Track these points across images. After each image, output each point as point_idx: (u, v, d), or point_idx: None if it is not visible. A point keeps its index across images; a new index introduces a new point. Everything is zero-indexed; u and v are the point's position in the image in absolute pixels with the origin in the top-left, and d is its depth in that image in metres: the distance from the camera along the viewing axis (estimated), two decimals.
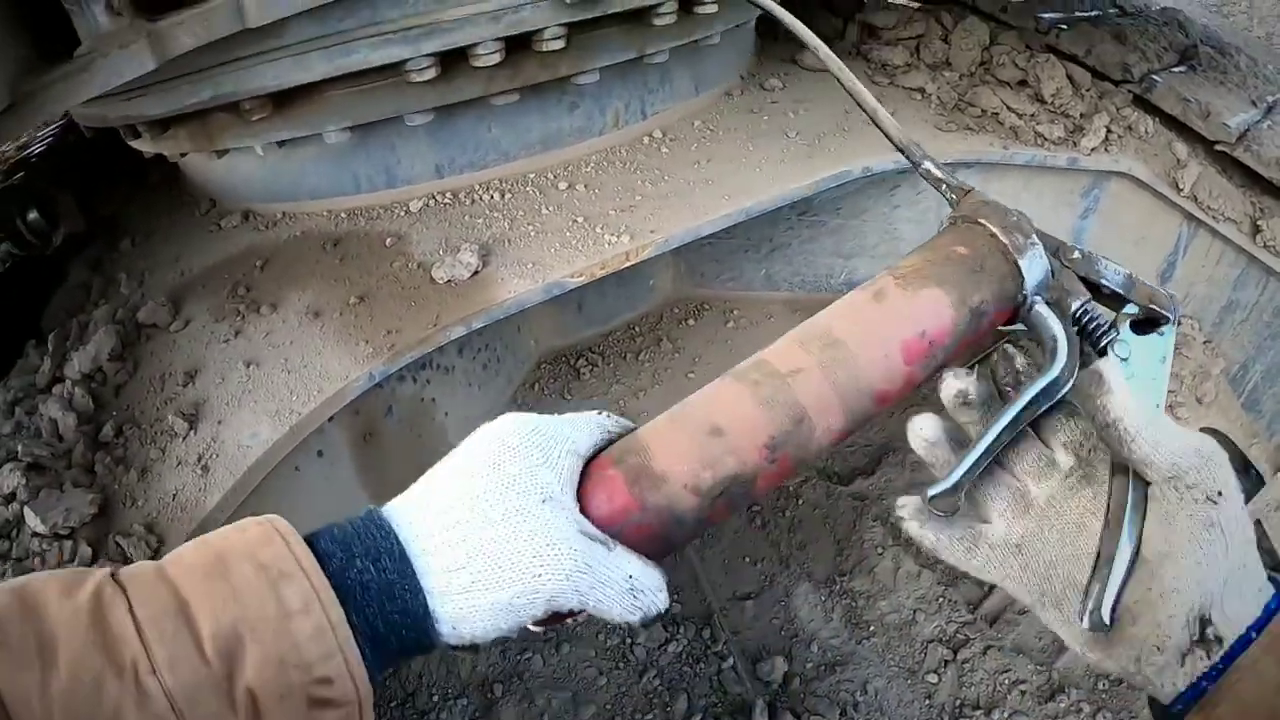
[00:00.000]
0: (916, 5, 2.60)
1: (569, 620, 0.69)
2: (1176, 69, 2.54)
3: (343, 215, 1.82)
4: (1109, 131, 2.27)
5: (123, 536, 1.36)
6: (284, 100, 1.55)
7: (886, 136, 1.05)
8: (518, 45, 1.65)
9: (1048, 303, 0.83)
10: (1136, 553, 0.75)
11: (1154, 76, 2.45)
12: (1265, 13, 7.12)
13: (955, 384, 0.84)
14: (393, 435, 1.99)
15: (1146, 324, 0.86)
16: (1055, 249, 0.86)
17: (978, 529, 0.82)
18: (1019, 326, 0.86)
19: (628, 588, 0.67)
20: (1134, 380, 0.79)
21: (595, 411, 0.80)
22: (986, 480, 0.81)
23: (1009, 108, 2.30)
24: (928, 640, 3.04)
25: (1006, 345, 0.85)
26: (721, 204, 1.81)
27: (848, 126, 2.12)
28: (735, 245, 2.39)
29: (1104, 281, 0.86)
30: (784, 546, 3.25)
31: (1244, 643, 0.75)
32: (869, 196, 2.27)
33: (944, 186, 0.96)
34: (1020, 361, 0.83)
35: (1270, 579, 0.78)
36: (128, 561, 1.34)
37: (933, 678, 2.97)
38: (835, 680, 2.96)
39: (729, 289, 2.48)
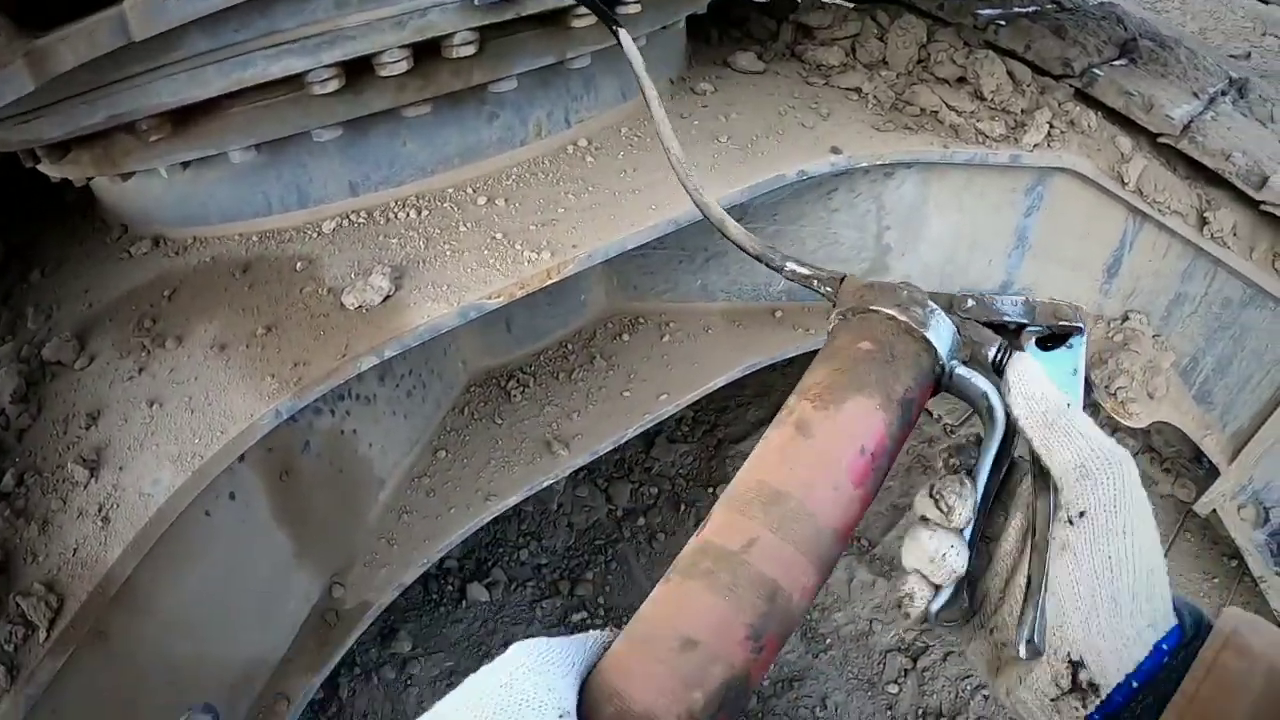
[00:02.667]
0: (851, 5, 2.52)
1: None
2: (1117, 62, 2.49)
3: (254, 238, 1.73)
4: (1051, 127, 2.20)
5: (22, 597, 1.25)
6: (184, 119, 1.47)
7: (735, 243, 1.01)
8: (428, 52, 1.55)
9: (964, 363, 0.78)
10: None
11: (1094, 70, 2.39)
12: (1197, 8, 7.21)
13: (930, 543, 0.76)
14: (312, 471, 1.86)
15: (1057, 339, 0.83)
16: (949, 305, 0.82)
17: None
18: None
19: None
20: None
21: (599, 631, 0.71)
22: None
23: (949, 105, 2.23)
24: (886, 650, 2.96)
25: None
26: (648, 214, 1.71)
27: (781, 129, 2.03)
28: (669, 256, 2.28)
29: (1006, 318, 0.82)
30: None
31: (1125, 693, 0.66)
32: (806, 201, 2.18)
33: (815, 282, 0.90)
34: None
35: (1178, 611, 0.69)
36: (29, 626, 1.24)
37: (893, 688, 2.89)
38: (794, 696, 2.87)
39: (664, 301, 2.37)
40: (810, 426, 0.74)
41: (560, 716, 0.58)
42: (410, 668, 2.95)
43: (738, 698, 0.65)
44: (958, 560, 0.73)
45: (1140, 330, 2.52)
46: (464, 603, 3.14)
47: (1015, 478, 0.80)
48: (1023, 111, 2.23)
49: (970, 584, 0.79)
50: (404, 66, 1.49)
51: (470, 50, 1.53)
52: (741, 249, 0.96)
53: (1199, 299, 2.45)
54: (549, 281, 1.60)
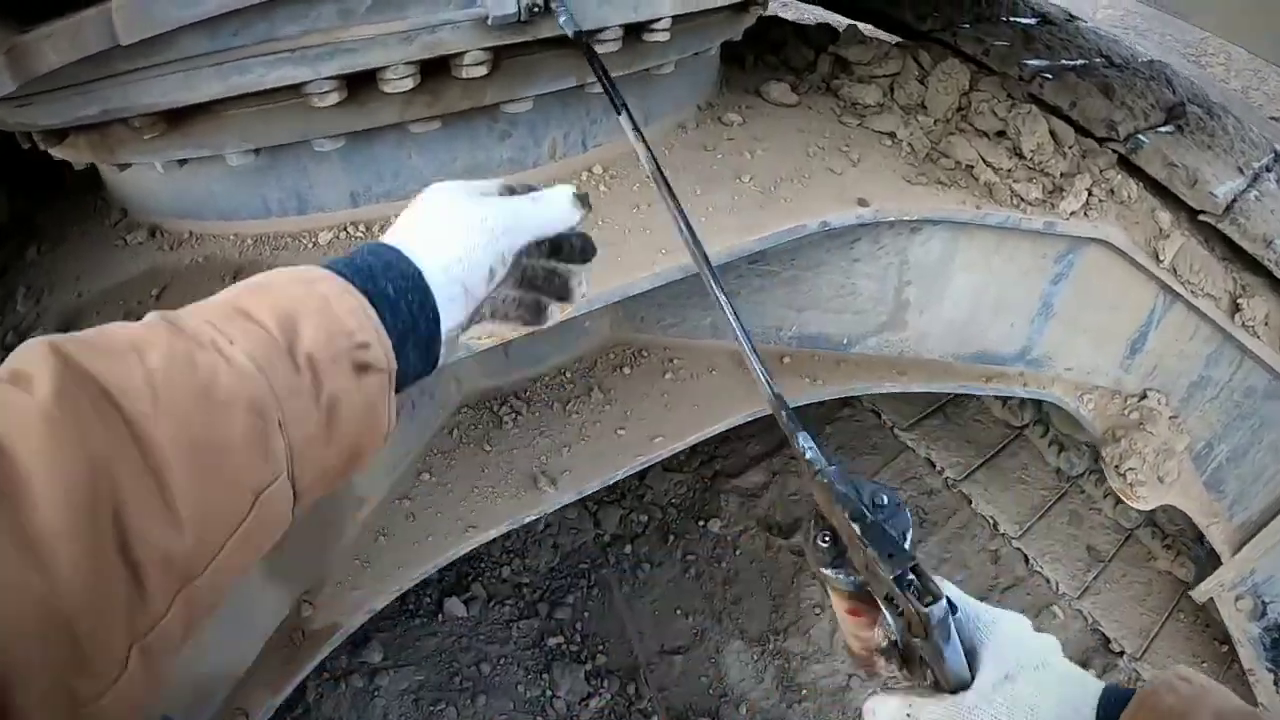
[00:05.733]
0: (894, 41, 2.41)
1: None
2: (1163, 129, 2.38)
3: (249, 241, 1.66)
4: (1090, 194, 2.10)
5: None
6: (180, 118, 1.40)
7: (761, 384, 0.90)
8: (437, 69, 1.45)
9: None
10: None
11: (1140, 136, 2.29)
12: (1241, 65, 7.07)
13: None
14: None
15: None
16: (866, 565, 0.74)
17: None
18: None
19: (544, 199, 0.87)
20: None
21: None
22: None
23: (985, 161, 2.12)
24: (860, 709, 2.87)
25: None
26: (655, 259, 1.61)
27: (808, 173, 1.93)
28: (679, 290, 2.17)
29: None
30: (718, 600, 3.06)
31: None
32: (826, 249, 2.08)
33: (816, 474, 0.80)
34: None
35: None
36: None
37: None
38: None
39: (671, 335, 2.27)
40: None
41: (481, 194, 0.85)
42: (379, 679, 2.86)
43: None
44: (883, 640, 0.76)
45: (1158, 410, 2.42)
46: (440, 616, 3.04)
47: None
48: (1062, 175, 2.13)
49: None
50: (410, 84, 1.39)
51: (482, 71, 1.42)
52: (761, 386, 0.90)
53: (1222, 385, 2.35)
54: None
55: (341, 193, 1.65)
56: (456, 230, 0.79)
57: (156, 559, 0.54)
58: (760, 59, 2.48)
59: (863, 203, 1.87)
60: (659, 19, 1.52)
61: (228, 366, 0.61)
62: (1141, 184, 2.19)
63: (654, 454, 2.09)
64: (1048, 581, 3.10)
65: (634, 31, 1.55)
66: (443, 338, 0.77)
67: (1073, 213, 2.05)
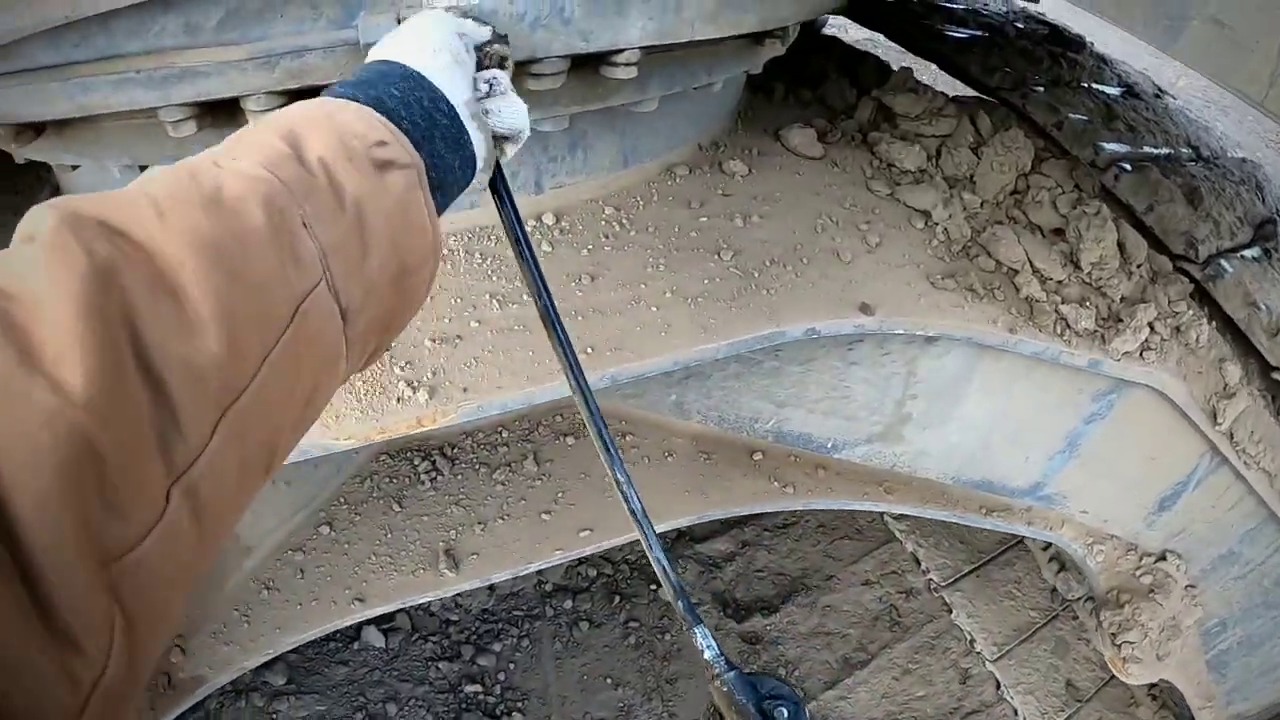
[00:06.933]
0: (951, 97, 2.02)
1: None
2: (1248, 252, 1.99)
3: None
4: (1152, 330, 1.72)
5: None
6: (63, 125, 1.25)
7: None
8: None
9: None
10: None
11: (1221, 261, 1.90)
12: None
13: None
14: None
15: None
16: None
17: None
18: None
19: None
20: None
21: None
22: None
23: (1034, 267, 1.75)
24: None
25: None
26: (579, 361, 1.26)
27: (808, 256, 1.56)
28: None
29: None
30: (652, 676, 2.75)
31: None
32: (820, 345, 1.72)
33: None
34: None
35: None
36: None
37: None
38: None
39: (630, 405, 1.93)
40: None
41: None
42: (278, 703, 2.60)
43: None
44: None
45: (1173, 577, 2.07)
46: (356, 644, 2.77)
47: None
48: (1123, 300, 1.75)
49: None
50: None
51: None
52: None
53: (1254, 565, 2.01)
54: (416, 430, 1.17)
55: None
56: (422, 27, 0.83)
57: (181, 370, 0.48)
58: (793, 92, 2.09)
59: (866, 309, 1.51)
60: (619, 50, 1.15)
61: (234, 174, 0.57)
62: (1214, 324, 1.81)
63: (576, 550, 1.77)
64: (1015, 714, 2.78)
65: (587, 63, 1.19)
66: (463, 115, 0.78)
67: (1126, 353, 1.68)
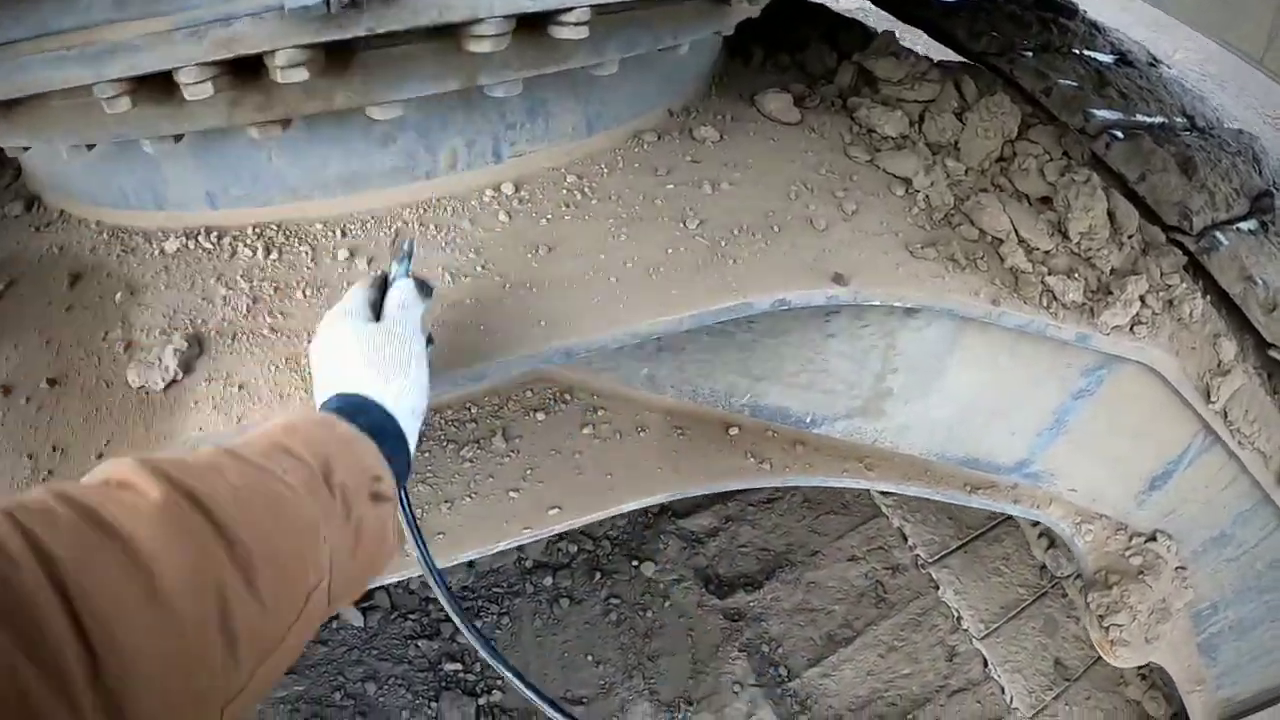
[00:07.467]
0: (934, 62, 1.94)
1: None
2: (1245, 224, 1.91)
3: (107, 233, 1.46)
4: (1143, 304, 1.65)
5: None
6: (8, 105, 1.20)
7: None
8: (255, 69, 1.08)
9: None
10: None
11: (1216, 233, 1.83)
12: None
13: None
14: None
15: None
16: None
17: None
18: None
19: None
20: None
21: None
22: None
23: (1019, 236, 1.68)
24: None
25: None
26: (530, 335, 1.21)
27: (779, 224, 1.49)
28: None
29: None
30: (634, 653, 2.72)
31: None
32: (795, 316, 1.66)
33: None
34: None
35: None
36: None
37: None
38: None
39: (601, 379, 1.87)
40: None
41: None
42: None
43: None
44: None
45: (1164, 558, 2.02)
46: (335, 623, 2.74)
47: None
48: (1113, 272, 1.68)
49: None
50: (209, 90, 1.03)
51: (300, 75, 1.01)
52: None
53: (1246, 548, 1.96)
54: None
55: (196, 192, 1.38)
56: (389, 364, 0.96)
57: (248, 634, 0.64)
58: (771, 58, 2.02)
59: (840, 279, 1.44)
60: (568, 9, 1.08)
61: (290, 492, 0.75)
62: (1209, 298, 1.74)
63: (545, 528, 1.71)
64: (1002, 691, 2.74)
65: (534, 24, 1.11)
66: (411, 439, 0.96)
67: (1116, 326, 1.61)
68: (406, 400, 0.95)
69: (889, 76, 1.89)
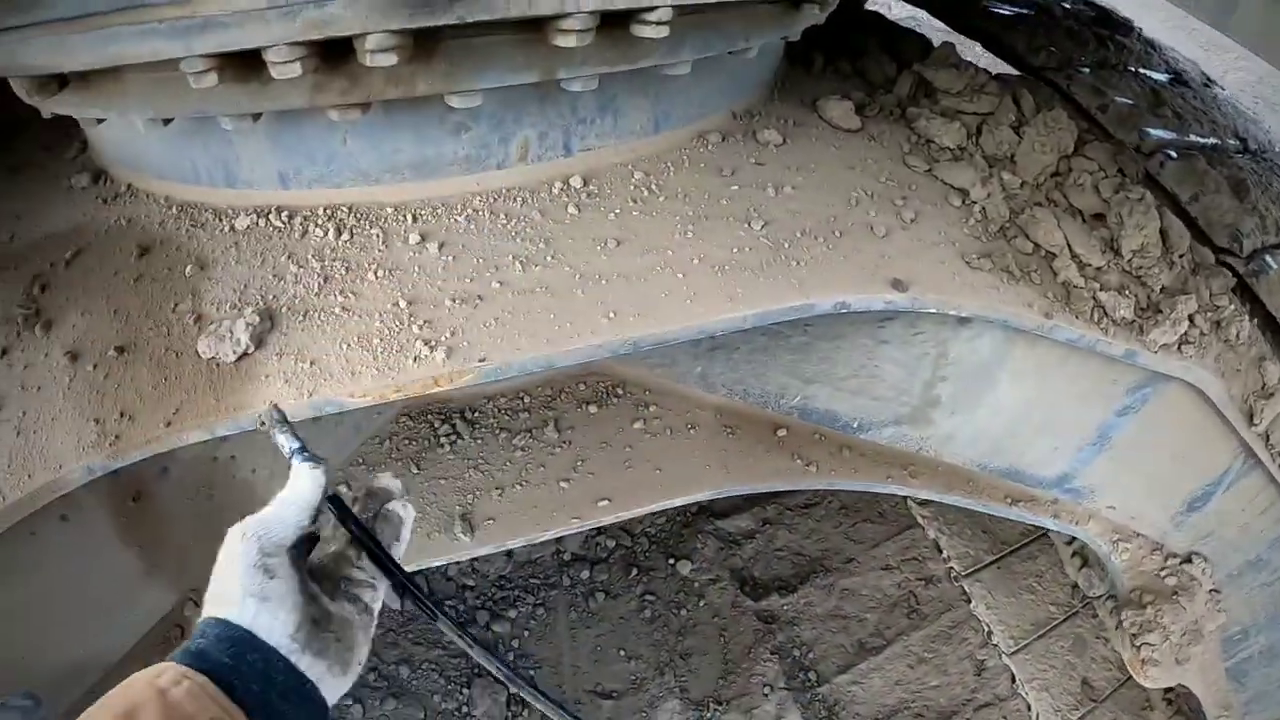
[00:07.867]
0: (993, 76, 1.96)
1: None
2: None
3: (176, 208, 1.49)
4: (1191, 323, 1.67)
5: None
6: (84, 77, 1.25)
7: None
8: (345, 51, 1.13)
9: None
10: None
11: (1266, 256, 1.84)
12: None
13: None
14: (171, 495, 1.56)
15: None
16: None
17: None
18: None
19: None
20: None
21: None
22: None
23: (1072, 251, 1.70)
24: None
25: None
26: (599, 326, 1.25)
27: (841, 229, 1.53)
28: None
29: None
30: (666, 650, 2.75)
31: None
32: (850, 321, 1.69)
33: None
34: None
35: None
36: None
37: None
38: None
39: (655, 374, 1.91)
40: None
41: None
42: None
43: None
44: None
45: (1198, 580, 2.02)
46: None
47: None
48: (1163, 290, 1.70)
49: None
50: (297, 70, 1.06)
51: (388, 60, 1.06)
52: None
53: None
54: (433, 390, 1.16)
55: (269, 171, 1.41)
56: (228, 562, 0.78)
57: None
58: (831, 65, 2.05)
59: (899, 285, 1.48)
60: (652, 8, 1.12)
61: None
62: (1255, 321, 1.75)
63: (593, 519, 1.76)
64: (1029, 709, 2.74)
65: (616, 22, 1.16)
66: (299, 665, 0.76)
67: (1164, 345, 1.63)
68: (273, 623, 0.77)
69: (948, 87, 1.92)
